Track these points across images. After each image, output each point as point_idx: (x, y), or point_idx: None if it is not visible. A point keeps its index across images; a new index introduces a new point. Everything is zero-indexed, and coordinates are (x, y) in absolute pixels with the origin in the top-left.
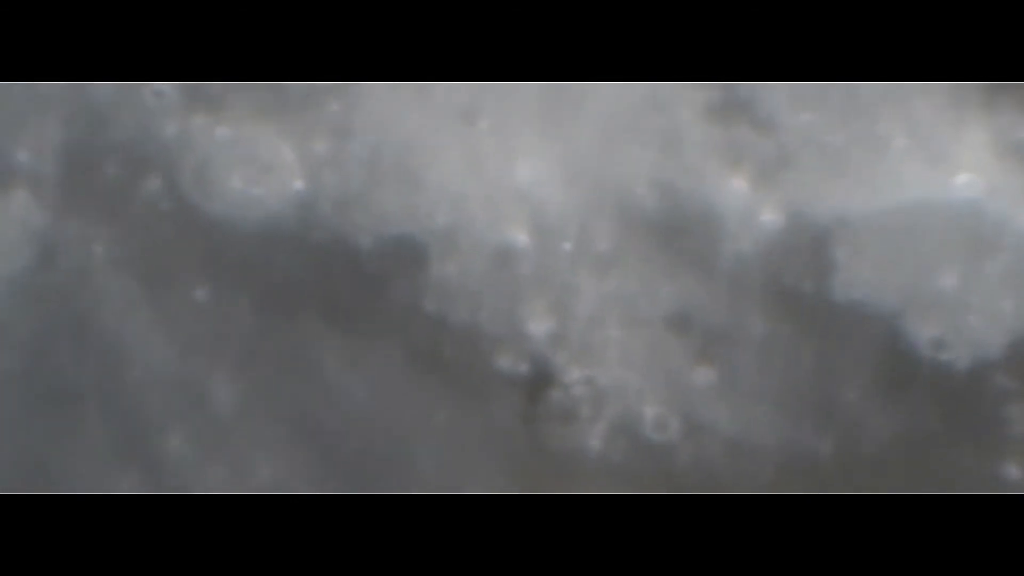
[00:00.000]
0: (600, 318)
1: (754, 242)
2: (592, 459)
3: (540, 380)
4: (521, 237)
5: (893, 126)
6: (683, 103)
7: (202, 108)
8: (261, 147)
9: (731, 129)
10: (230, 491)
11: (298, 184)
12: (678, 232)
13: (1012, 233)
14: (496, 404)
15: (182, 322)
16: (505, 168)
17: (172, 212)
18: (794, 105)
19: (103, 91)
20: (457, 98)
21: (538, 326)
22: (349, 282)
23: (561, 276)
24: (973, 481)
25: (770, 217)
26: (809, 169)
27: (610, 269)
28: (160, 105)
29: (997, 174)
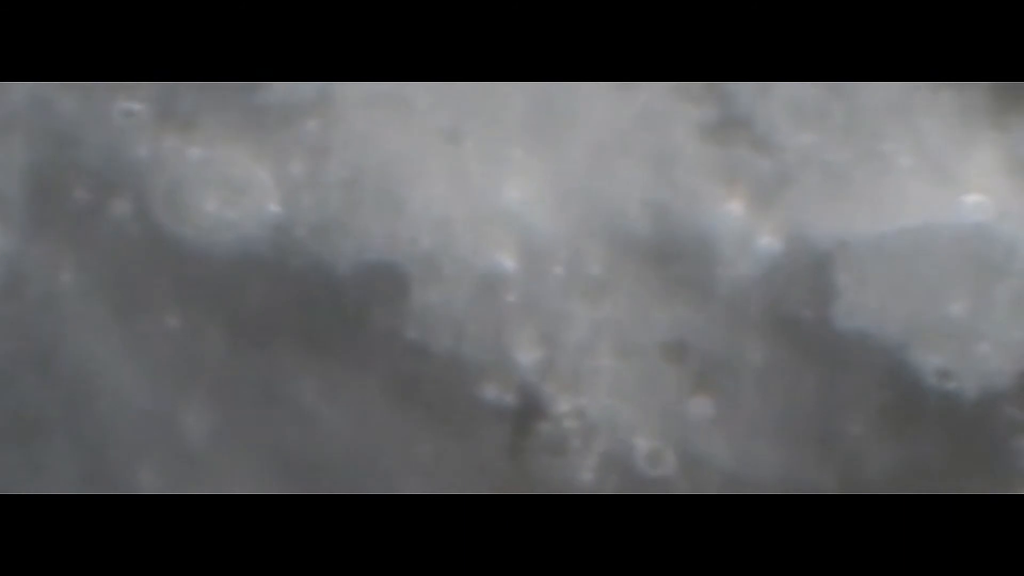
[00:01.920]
0: (591, 346)
1: (752, 267)
2: None
3: (528, 411)
4: (508, 262)
5: (898, 144)
6: (677, 121)
7: (173, 128)
8: (235, 168)
9: (727, 148)
10: None
11: (274, 207)
12: (672, 256)
13: (1023, 257)
14: (482, 437)
15: (153, 351)
16: (491, 189)
17: (142, 236)
18: (793, 122)
19: (70, 110)
20: (441, 116)
21: (526, 355)
22: (327, 309)
23: (550, 302)
24: None
25: (768, 241)
26: (809, 190)
27: (601, 295)
28: (130, 125)
29: (1007, 195)
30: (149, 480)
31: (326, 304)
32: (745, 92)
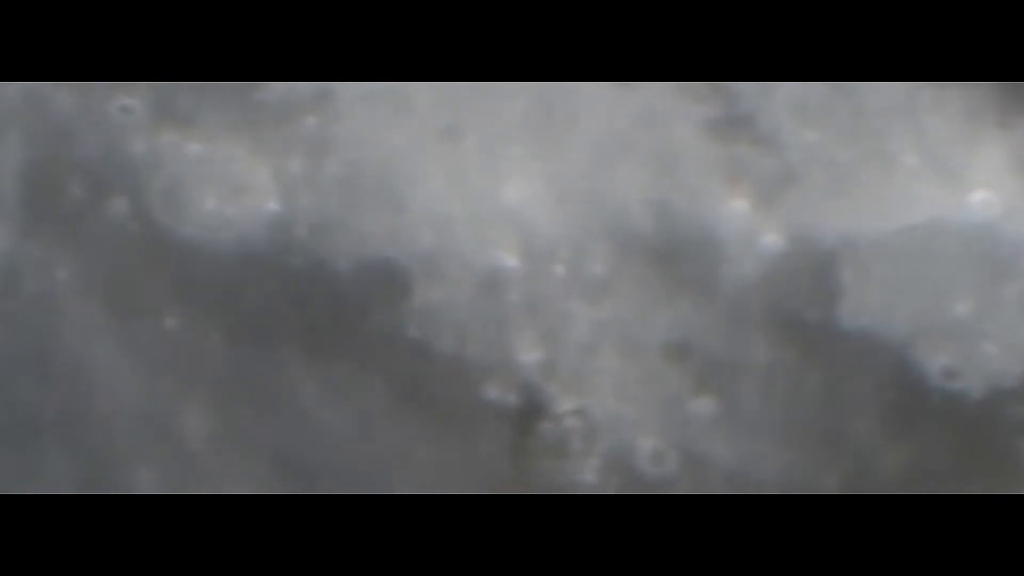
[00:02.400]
0: (593, 346)
1: (755, 266)
2: None
3: (530, 412)
4: (510, 261)
5: (903, 142)
6: (680, 119)
7: (171, 124)
8: (234, 165)
9: (731, 146)
10: None
11: (273, 205)
12: (675, 255)
13: None
14: (483, 437)
15: (151, 351)
16: (492, 188)
17: (140, 235)
18: (798, 120)
19: (66, 106)
20: (441, 114)
21: (528, 355)
22: (327, 309)
23: (552, 302)
24: None
25: (772, 239)
26: (814, 188)
27: (604, 294)
28: (127, 121)
29: (1014, 193)
30: (147, 482)
31: (326, 303)
32: (749, 90)
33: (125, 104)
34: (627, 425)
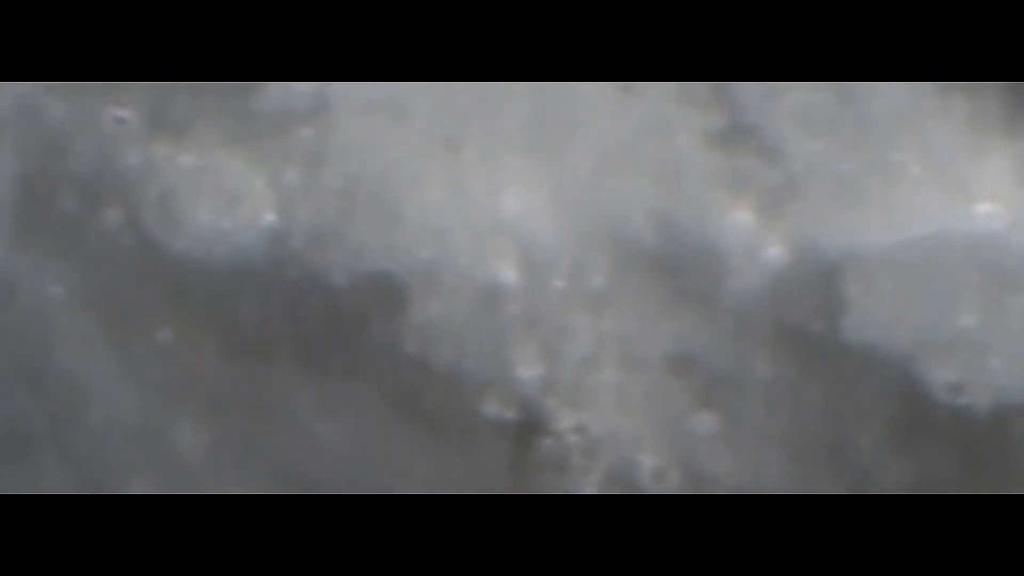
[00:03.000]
0: (594, 360)
1: (759, 278)
2: None
3: (530, 427)
4: (509, 273)
5: (908, 153)
6: (682, 129)
7: (165, 135)
8: (229, 177)
9: (734, 157)
10: None
11: (269, 216)
12: (678, 267)
13: None
14: (483, 453)
15: (145, 365)
16: (491, 199)
17: (134, 247)
18: (801, 130)
19: (59, 117)
20: (439, 123)
21: (527, 370)
22: (324, 322)
23: (552, 315)
24: None
25: (776, 251)
26: (818, 199)
27: (605, 308)
28: (121, 132)
29: (1020, 204)
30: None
31: (322, 316)
32: (752, 99)
33: (119, 115)
34: (628, 441)
